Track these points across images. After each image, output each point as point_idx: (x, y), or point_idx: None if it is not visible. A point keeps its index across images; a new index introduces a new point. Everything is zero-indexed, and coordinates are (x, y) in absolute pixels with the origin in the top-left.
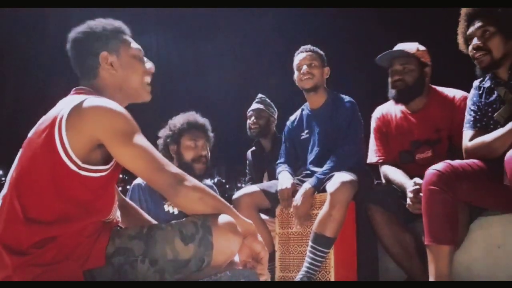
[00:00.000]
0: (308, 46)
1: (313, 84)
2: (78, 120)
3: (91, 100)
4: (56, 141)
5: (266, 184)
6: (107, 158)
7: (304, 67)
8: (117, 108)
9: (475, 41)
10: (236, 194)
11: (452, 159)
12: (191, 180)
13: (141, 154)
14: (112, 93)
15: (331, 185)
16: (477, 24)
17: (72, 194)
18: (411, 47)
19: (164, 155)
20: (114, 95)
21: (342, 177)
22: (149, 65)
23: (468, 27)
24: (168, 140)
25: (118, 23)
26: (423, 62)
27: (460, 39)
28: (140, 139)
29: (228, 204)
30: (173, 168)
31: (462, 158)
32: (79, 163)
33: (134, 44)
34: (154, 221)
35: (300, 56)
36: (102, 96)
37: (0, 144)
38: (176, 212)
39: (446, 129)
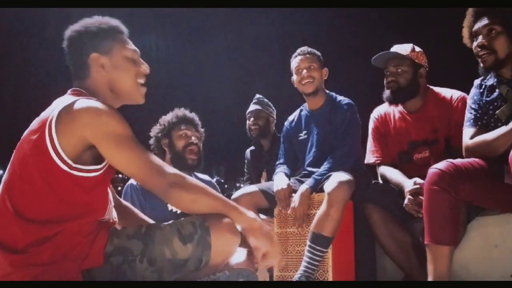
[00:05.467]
0: (305, 48)
1: (314, 88)
2: (68, 122)
3: (81, 102)
4: (47, 143)
5: (265, 185)
6: (99, 158)
7: (304, 71)
8: (108, 110)
9: (480, 39)
10: (235, 194)
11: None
12: (184, 182)
13: (133, 158)
14: (104, 95)
15: (329, 185)
16: (484, 21)
17: (65, 194)
18: (405, 48)
19: (156, 150)
20: (106, 96)
21: (339, 177)
22: (143, 66)
23: (474, 22)
24: (159, 135)
25: (114, 22)
26: (417, 63)
27: (465, 33)
28: (131, 142)
29: (228, 201)
30: (167, 169)
31: (459, 158)
32: (71, 163)
33: (129, 45)
34: (151, 221)
35: (297, 59)
36: (94, 97)
37: (0, 144)
38: (179, 211)
39: (444, 129)
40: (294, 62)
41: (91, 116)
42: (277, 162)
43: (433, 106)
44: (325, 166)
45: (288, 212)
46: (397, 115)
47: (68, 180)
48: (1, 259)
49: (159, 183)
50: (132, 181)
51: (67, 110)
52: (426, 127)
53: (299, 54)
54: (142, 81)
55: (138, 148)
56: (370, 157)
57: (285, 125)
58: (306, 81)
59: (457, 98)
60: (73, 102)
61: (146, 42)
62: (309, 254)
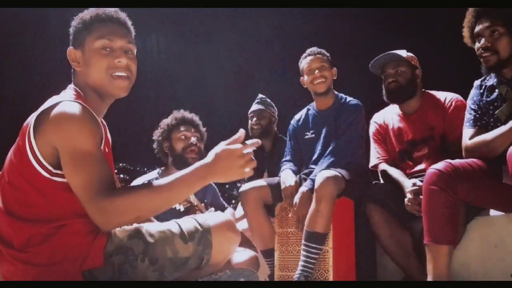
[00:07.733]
0: (315, 49)
1: (326, 88)
2: (44, 127)
3: (59, 107)
4: (26, 148)
5: (273, 180)
6: None
7: (316, 71)
8: (76, 119)
9: (483, 41)
10: (244, 187)
11: (445, 155)
12: (111, 207)
13: (76, 179)
14: (87, 91)
15: (316, 182)
16: (486, 23)
17: (51, 196)
18: (401, 52)
19: (159, 154)
20: (90, 93)
21: (325, 173)
22: (119, 58)
23: (475, 23)
24: (160, 139)
25: (99, 11)
26: (413, 65)
27: (466, 33)
28: (84, 161)
29: (174, 184)
30: (102, 196)
31: (454, 154)
32: (51, 169)
33: (105, 35)
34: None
35: (308, 60)
36: (85, 94)
37: (0, 144)
38: (182, 209)
39: (438, 127)
40: (305, 62)
41: (60, 123)
42: (283, 160)
43: (429, 107)
44: (321, 166)
45: (290, 215)
46: (396, 118)
47: (52, 186)
48: (5, 255)
49: (89, 208)
50: (138, 180)
51: (43, 114)
52: (423, 127)
53: (309, 55)
54: (118, 73)
55: (86, 169)
56: (373, 160)
57: (291, 123)
58: (318, 80)
59: (451, 99)
60: (51, 107)
61: (147, 43)
62: (305, 253)
